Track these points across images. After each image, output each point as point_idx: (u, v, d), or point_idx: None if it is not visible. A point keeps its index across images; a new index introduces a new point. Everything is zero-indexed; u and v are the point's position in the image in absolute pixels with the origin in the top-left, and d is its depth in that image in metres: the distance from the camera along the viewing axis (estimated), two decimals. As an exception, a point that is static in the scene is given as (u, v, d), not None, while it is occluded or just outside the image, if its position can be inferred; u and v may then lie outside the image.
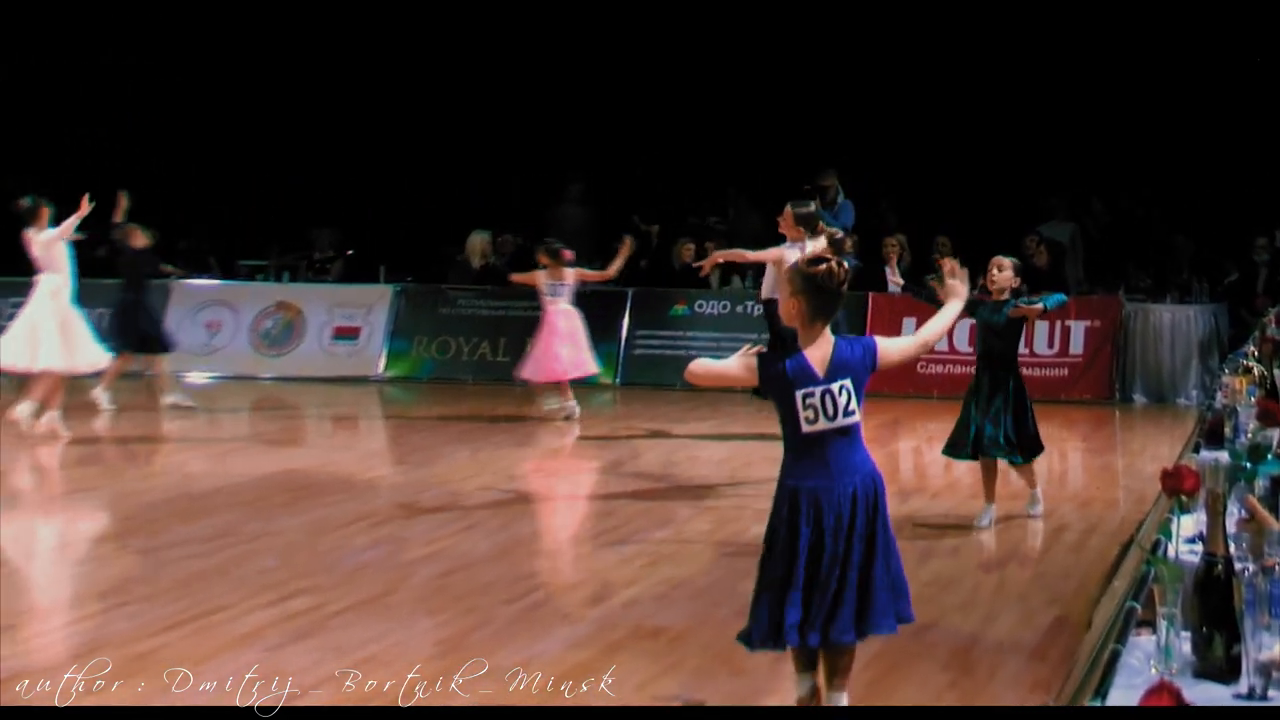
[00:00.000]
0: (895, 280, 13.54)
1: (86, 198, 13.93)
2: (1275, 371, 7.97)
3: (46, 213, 14.11)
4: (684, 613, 7.95)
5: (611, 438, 14.90)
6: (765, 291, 13.82)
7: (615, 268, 15.87)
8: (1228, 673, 3.86)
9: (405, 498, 11.25)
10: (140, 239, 16.15)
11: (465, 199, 22.22)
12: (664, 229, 21.18)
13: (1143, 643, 4.05)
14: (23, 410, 13.96)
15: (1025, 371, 10.80)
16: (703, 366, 6.23)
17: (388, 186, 22.86)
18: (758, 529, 6.36)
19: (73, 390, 14.72)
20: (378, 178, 22.85)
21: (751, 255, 13.86)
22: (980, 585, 8.78)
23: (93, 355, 14.42)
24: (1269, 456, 4.86)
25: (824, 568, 5.84)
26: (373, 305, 19.80)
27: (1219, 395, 7.91)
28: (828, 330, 5.96)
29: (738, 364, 6.02)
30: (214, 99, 22.89)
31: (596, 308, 19.28)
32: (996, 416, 10.29)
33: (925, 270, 18.24)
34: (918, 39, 21.42)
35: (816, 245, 12.37)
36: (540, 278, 15.78)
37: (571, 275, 15.76)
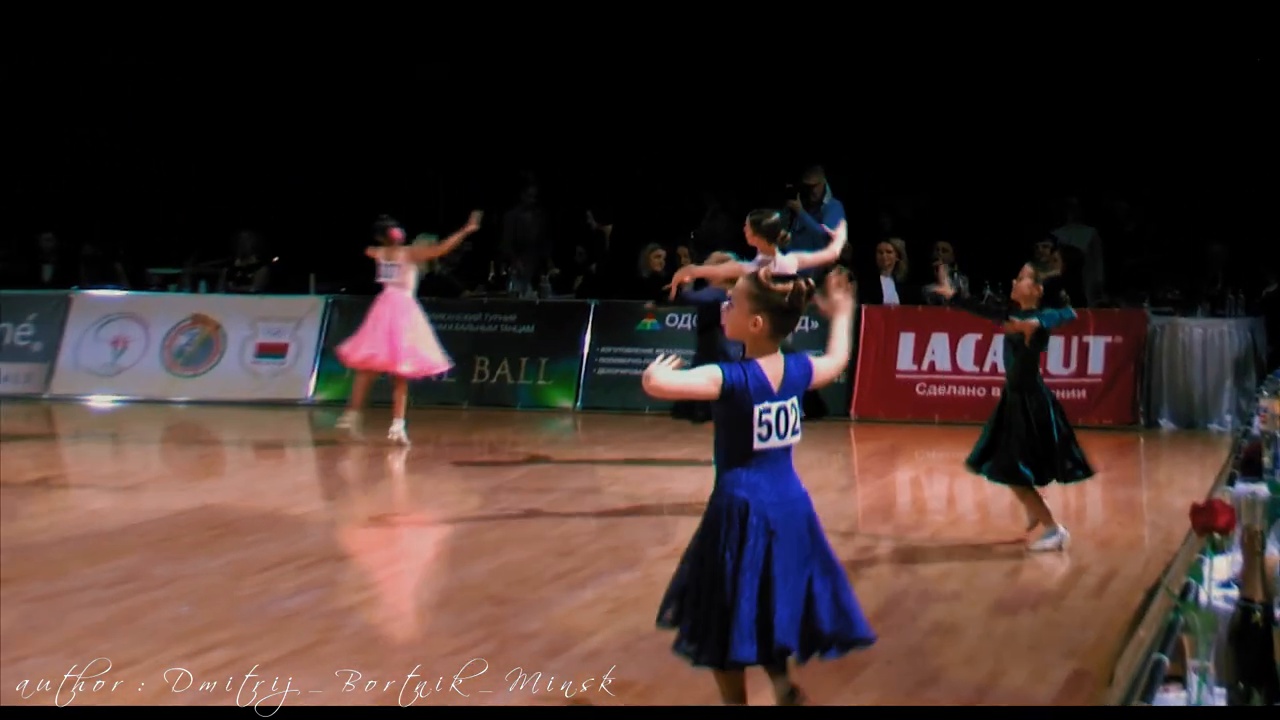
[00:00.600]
0: (942, 289, 13.45)
1: None
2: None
3: None
4: (653, 666, 7.91)
5: (571, 464, 14.87)
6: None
7: (450, 243, 16.19)
8: (1267, 733, 3.86)
9: (337, 536, 11.20)
10: None
11: (406, 198, 22.21)
12: (631, 232, 21.16)
13: (1171, 700, 4.04)
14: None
15: None
16: (665, 378, 6.44)
17: (319, 184, 22.83)
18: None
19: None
20: (307, 174, 22.82)
21: (721, 271, 13.85)
22: (988, 634, 8.77)
23: None
24: (1313, 489, 4.87)
25: (777, 579, 6.28)
26: (302, 319, 19.76)
27: (1256, 420, 7.93)
28: (778, 347, 6.48)
29: (704, 377, 6.39)
30: (128, 88, 23.07)
31: (554, 321, 19.33)
32: (1011, 439, 10.60)
33: (924, 280, 18.35)
34: (911, 16, 21.48)
35: (786, 263, 12.26)
36: (378, 256, 16.00)
37: (403, 255, 15.94)
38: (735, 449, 6.40)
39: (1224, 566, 4.96)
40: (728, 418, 6.41)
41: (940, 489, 12.43)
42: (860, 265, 18.51)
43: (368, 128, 23.00)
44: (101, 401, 18.95)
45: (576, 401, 18.82)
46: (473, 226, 15.95)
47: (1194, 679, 3.88)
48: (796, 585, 6.33)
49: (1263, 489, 5.14)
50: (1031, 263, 11.19)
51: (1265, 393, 9.08)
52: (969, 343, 18.03)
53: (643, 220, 21.54)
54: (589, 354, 19.10)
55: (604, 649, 8.27)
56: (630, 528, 11.73)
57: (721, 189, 21.18)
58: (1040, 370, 11.27)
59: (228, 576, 9.90)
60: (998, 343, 17.06)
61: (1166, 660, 4.21)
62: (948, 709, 6.69)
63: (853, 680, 7.47)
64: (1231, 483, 6.88)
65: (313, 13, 23.02)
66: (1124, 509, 13.18)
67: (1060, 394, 17.29)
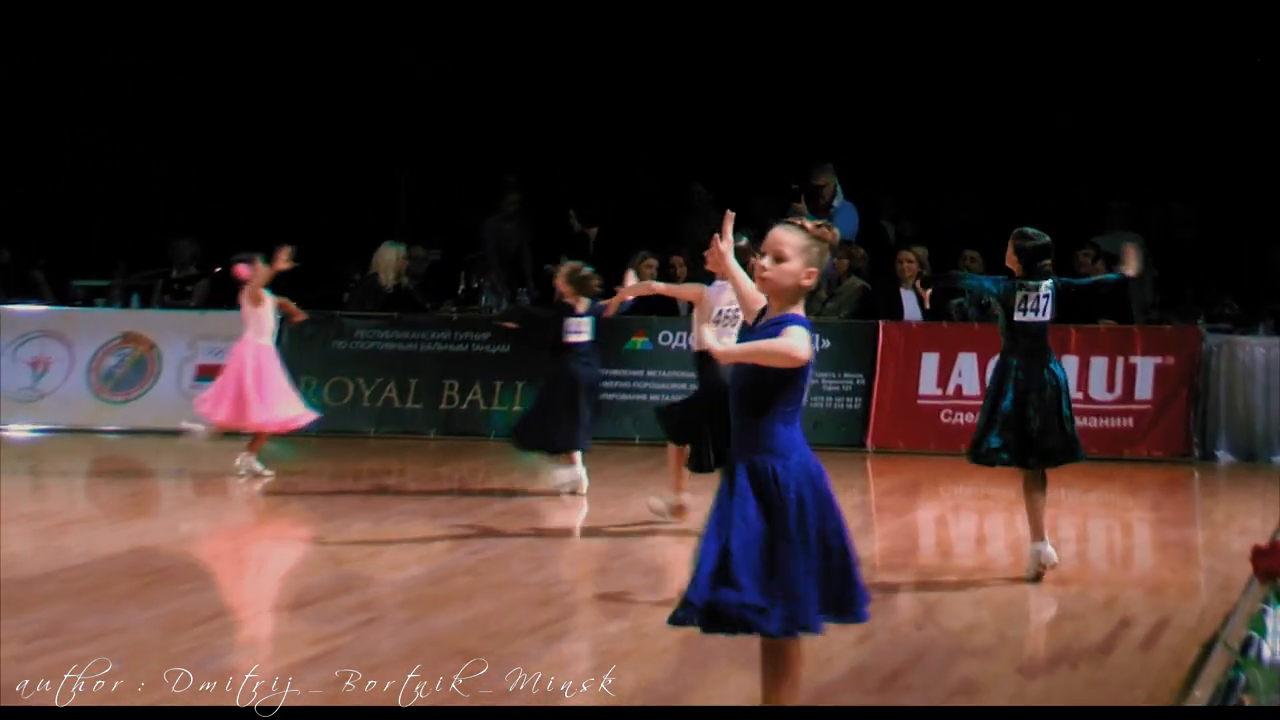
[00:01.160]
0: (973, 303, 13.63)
1: None
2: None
3: None
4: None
5: (551, 501, 14.87)
6: (695, 343, 13.80)
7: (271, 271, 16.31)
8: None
9: (287, 584, 11.17)
10: None
11: (368, 203, 22.25)
12: (619, 237, 21.13)
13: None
14: None
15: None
16: (765, 345, 6.86)
17: (266, 187, 22.84)
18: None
19: None
20: (253, 176, 22.83)
21: (665, 289, 14.64)
22: (1021, 696, 8.76)
23: None
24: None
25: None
26: (247, 338, 19.74)
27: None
28: None
29: (803, 340, 6.82)
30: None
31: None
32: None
33: (951, 293, 18.33)
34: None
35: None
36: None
37: (268, 304, 16.33)
38: (792, 412, 6.96)
39: (1290, 618, 4.95)
40: (800, 380, 6.91)
41: (968, 529, 12.41)
42: (878, 277, 18.54)
43: (327, 117, 23.02)
44: (19, 431, 18.93)
45: (558, 430, 18.79)
46: (282, 265, 16.20)
47: (1256, 745, 3.86)
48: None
49: (1334, 530, 5.13)
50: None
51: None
52: (970, 362, 18.01)
53: (632, 224, 21.51)
54: (570, 376, 19.04)
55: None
56: (617, 574, 11.71)
57: (717, 185, 21.17)
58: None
59: (161, 630, 9.86)
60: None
61: (1225, 725, 4.20)
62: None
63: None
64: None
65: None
66: (1176, 552, 13.17)
67: (1103, 423, 17.48)
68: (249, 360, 16.06)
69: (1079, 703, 8.61)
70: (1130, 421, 17.64)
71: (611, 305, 14.59)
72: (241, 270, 16.21)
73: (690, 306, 14.48)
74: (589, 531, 13.58)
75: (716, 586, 6.79)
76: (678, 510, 13.36)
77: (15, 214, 22.45)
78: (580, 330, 14.97)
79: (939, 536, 13.88)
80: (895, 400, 18.17)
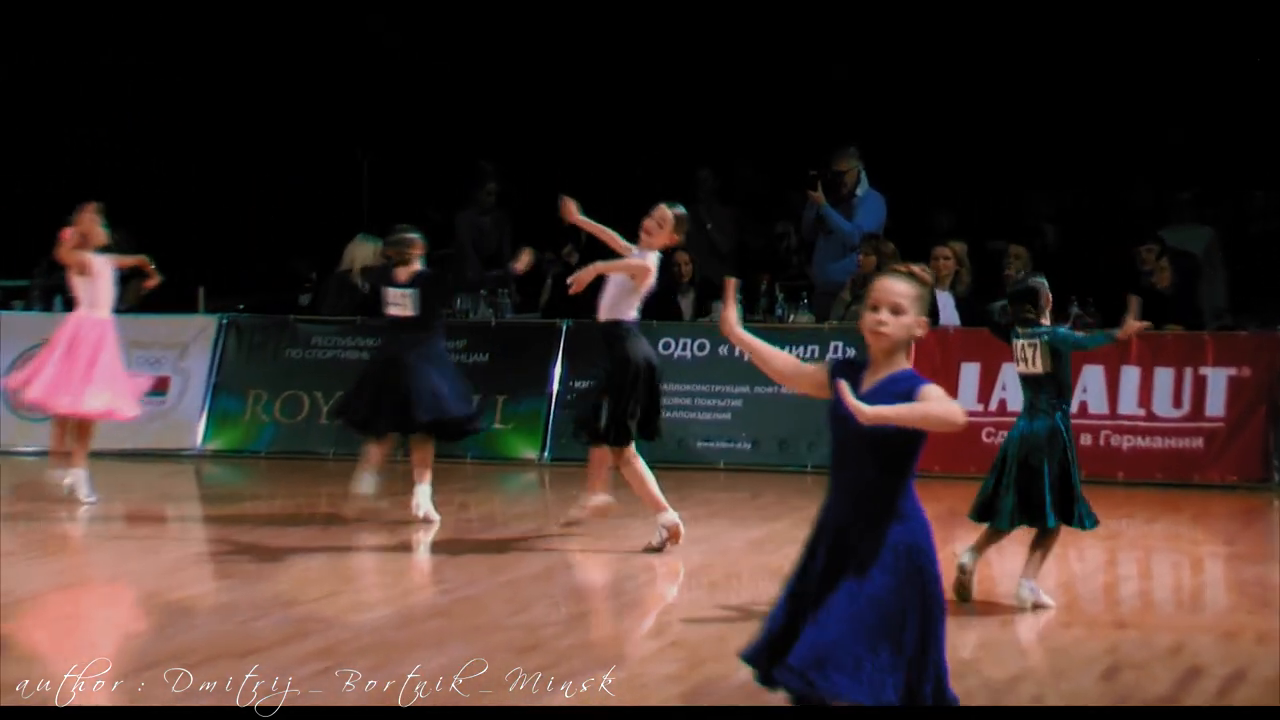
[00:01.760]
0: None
1: None
2: None
3: None
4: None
5: (536, 532, 14.88)
6: (605, 312, 14.22)
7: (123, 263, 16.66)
8: None
9: (234, 627, 11.17)
10: None
11: (329, 193, 22.30)
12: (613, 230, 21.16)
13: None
14: None
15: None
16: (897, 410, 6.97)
17: (209, 174, 22.89)
18: (743, 671, 6.93)
19: None
20: (193, 161, 22.89)
21: (607, 266, 14.84)
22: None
23: None
24: None
25: None
26: (187, 345, 19.78)
27: None
28: None
29: (954, 403, 7.12)
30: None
31: (515, 348, 19.26)
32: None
33: (992, 295, 18.33)
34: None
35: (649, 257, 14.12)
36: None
37: (97, 269, 16.35)
38: (910, 475, 7.21)
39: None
40: (921, 441, 7.17)
41: (1012, 565, 12.34)
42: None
43: (281, 92, 23.10)
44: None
45: (543, 452, 18.82)
46: (152, 281, 16.33)
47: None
48: None
49: None
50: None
51: None
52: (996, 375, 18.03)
53: (629, 217, 21.51)
54: (559, 390, 19.04)
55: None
56: (611, 616, 11.72)
57: (725, 171, 21.20)
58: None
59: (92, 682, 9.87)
60: (1089, 374, 17.16)
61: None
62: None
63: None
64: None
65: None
66: (1253, 592, 13.17)
67: (1169, 443, 17.46)
68: (67, 335, 16.09)
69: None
70: (1200, 442, 17.61)
71: (577, 286, 14.69)
72: (66, 233, 16.21)
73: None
74: (579, 568, 13.59)
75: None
76: (600, 510, 14.33)
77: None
78: (400, 303, 15.25)
79: (980, 574, 13.83)
80: (930, 417, 18.11)
